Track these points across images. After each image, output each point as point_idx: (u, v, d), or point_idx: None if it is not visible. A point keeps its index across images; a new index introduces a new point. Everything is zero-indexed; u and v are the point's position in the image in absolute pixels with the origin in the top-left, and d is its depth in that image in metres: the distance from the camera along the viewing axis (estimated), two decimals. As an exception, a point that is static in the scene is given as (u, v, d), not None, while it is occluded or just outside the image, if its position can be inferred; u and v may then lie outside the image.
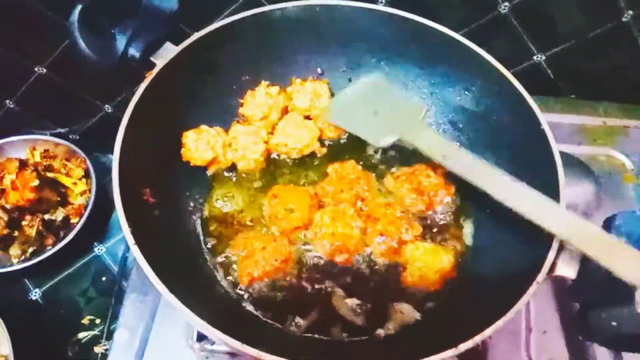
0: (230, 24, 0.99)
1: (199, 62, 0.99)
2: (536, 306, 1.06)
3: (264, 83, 1.08)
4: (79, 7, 0.88)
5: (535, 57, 1.27)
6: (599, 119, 1.33)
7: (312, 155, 1.08)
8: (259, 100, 1.06)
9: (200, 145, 0.99)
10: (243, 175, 1.04)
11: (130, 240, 0.74)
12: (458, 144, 1.07)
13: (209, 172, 1.03)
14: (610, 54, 1.28)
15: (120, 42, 0.93)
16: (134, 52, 0.93)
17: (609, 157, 1.28)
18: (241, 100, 1.08)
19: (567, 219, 0.77)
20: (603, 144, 1.30)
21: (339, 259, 0.92)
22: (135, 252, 0.73)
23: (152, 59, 0.95)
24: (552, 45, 1.25)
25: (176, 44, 0.97)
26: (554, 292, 1.07)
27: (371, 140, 1.01)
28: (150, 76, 0.91)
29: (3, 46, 1.21)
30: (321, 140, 1.09)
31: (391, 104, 1.03)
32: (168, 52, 0.95)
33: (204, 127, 1.01)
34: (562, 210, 0.79)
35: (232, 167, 1.05)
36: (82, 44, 0.89)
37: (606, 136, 1.31)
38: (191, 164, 0.99)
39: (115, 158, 0.82)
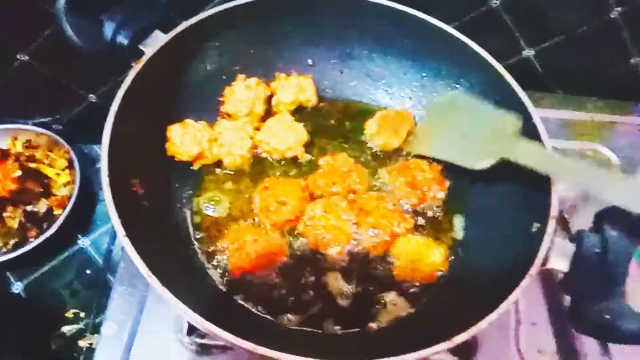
0: (221, 12, 0.98)
1: (189, 50, 0.98)
2: (525, 299, 1.06)
3: (241, 76, 1.06)
4: (66, -8, 0.86)
5: (524, 52, 1.28)
6: (586, 115, 1.34)
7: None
8: (240, 95, 1.04)
9: (185, 139, 0.97)
10: (230, 172, 1.03)
11: (121, 232, 0.72)
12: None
13: (195, 167, 1.01)
14: (598, 50, 1.29)
15: (109, 29, 0.91)
16: (122, 39, 0.91)
17: (596, 153, 1.29)
18: (221, 99, 1.06)
19: None
20: (590, 140, 1.31)
21: (332, 251, 0.92)
22: (126, 244, 0.72)
23: (140, 47, 0.93)
24: (542, 40, 1.26)
25: (165, 32, 0.95)
26: (542, 284, 1.08)
27: (470, 164, 0.93)
28: (139, 64, 0.89)
29: (-18, 32, 1.17)
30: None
31: (478, 121, 0.96)
32: (157, 40, 0.94)
33: (189, 121, 0.99)
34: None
35: (219, 162, 1.03)
36: (69, 30, 0.87)
37: (593, 132, 1.32)
38: (176, 159, 0.97)
39: (104, 148, 0.80)
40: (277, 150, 1.03)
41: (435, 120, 1.04)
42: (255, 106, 1.05)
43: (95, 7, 0.91)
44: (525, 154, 0.86)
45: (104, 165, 0.78)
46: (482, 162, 0.91)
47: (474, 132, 0.96)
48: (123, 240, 0.72)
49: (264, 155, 1.05)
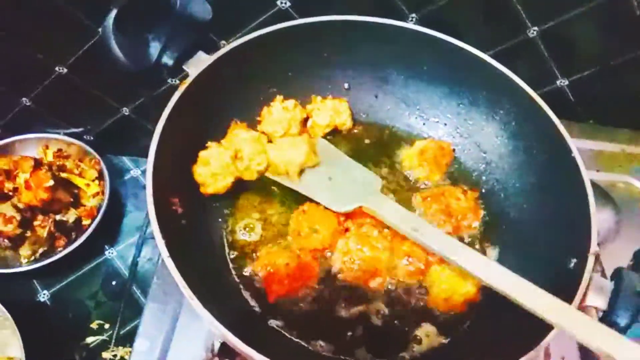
0: (263, 35, 0.99)
1: (230, 72, 0.98)
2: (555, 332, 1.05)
3: (278, 98, 1.06)
4: (114, 11, 0.88)
5: (558, 82, 1.28)
6: (618, 146, 1.33)
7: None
8: (277, 116, 1.04)
9: (218, 172, 0.95)
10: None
11: (164, 253, 0.73)
12: (483, 165, 1.07)
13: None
14: (632, 81, 1.28)
15: (154, 48, 0.92)
16: (167, 59, 0.92)
17: (628, 185, 1.28)
18: (258, 118, 1.06)
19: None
20: (621, 172, 1.30)
21: (373, 284, 0.91)
22: (170, 265, 0.72)
23: (184, 67, 0.95)
24: (576, 70, 1.26)
25: (206, 52, 0.97)
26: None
27: (331, 206, 0.97)
28: (184, 85, 0.91)
29: (26, 44, 1.20)
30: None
31: (344, 171, 1.02)
32: (200, 61, 0.95)
33: (205, 155, 0.96)
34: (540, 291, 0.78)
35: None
36: (116, 49, 0.88)
37: (625, 163, 1.31)
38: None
39: (149, 167, 0.81)
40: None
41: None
42: (292, 127, 1.05)
43: (141, 26, 0.92)
44: (388, 211, 0.93)
45: (148, 185, 0.79)
46: (345, 206, 0.96)
47: (339, 178, 1.01)
48: (167, 261, 0.73)
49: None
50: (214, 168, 0.94)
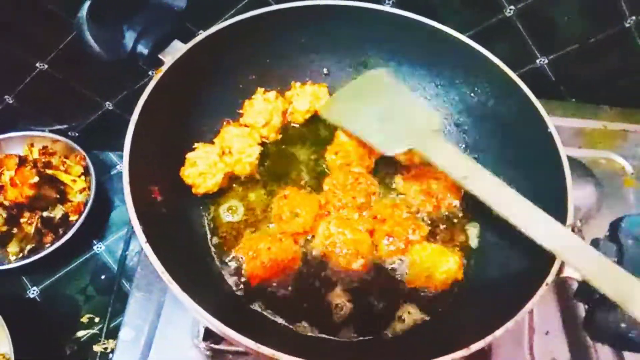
0: (239, 22, 0.99)
1: (207, 60, 0.99)
2: (538, 307, 1.06)
3: (260, 90, 1.07)
4: (88, 2, 0.88)
5: (538, 61, 1.28)
6: (600, 123, 1.34)
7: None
8: (259, 107, 1.05)
9: (206, 171, 0.95)
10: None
11: (142, 239, 0.73)
12: (463, 145, 1.08)
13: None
14: (612, 58, 1.29)
15: (129, 38, 0.92)
16: (142, 49, 0.93)
17: (609, 161, 1.29)
18: (240, 111, 1.07)
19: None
20: (603, 148, 1.31)
21: (356, 265, 0.92)
22: (147, 250, 0.73)
23: (159, 56, 0.95)
24: (555, 49, 1.26)
25: (182, 41, 0.97)
26: (555, 292, 1.09)
27: (378, 146, 0.92)
28: (159, 73, 0.91)
29: (5, 41, 1.19)
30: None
31: (401, 107, 0.94)
32: (176, 49, 0.95)
33: (192, 156, 0.96)
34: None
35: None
36: (90, 40, 0.88)
37: (606, 140, 1.32)
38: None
39: (125, 156, 0.81)
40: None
41: (356, 91, 1.00)
42: (273, 118, 1.06)
43: (116, 17, 0.92)
44: (440, 155, 0.86)
45: (125, 173, 0.79)
46: (393, 147, 0.91)
47: (392, 115, 0.93)
48: (145, 246, 0.73)
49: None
50: (201, 167, 0.95)
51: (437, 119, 0.93)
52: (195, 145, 0.98)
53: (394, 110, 0.95)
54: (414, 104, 0.96)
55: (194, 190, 0.96)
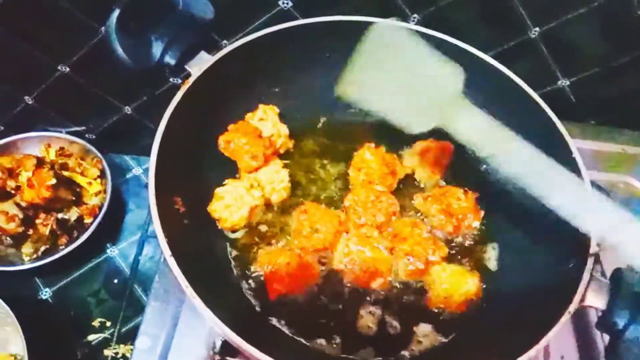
0: (265, 35, 0.99)
1: (233, 72, 0.99)
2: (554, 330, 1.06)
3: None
4: (117, 11, 0.88)
5: (559, 82, 1.28)
6: (619, 146, 1.33)
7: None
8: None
9: (231, 204, 0.95)
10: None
11: (167, 252, 0.74)
12: (484, 166, 1.08)
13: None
14: (633, 82, 1.29)
15: (157, 48, 0.93)
16: (169, 59, 0.93)
17: (628, 185, 1.28)
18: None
19: None
20: (621, 172, 1.30)
21: (375, 284, 0.92)
22: (172, 263, 0.73)
23: (186, 67, 0.95)
24: (577, 71, 1.26)
25: (207, 51, 0.97)
26: (571, 316, 1.08)
27: (403, 124, 0.79)
28: (186, 84, 0.91)
29: (28, 43, 1.20)
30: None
31: (422, 70, 0.79)
32: (202, 61, 0.95)
33: (220, 190, 0.97)
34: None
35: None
36: (119, 48, 0.88)
37: (624, 164, 1.31)
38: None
39: (151, 166, 0.81)
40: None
41: (370, 57, 0.82)
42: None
43: (144, 26, 0.93)
44: (465, 125, 0.77)
45: (151, 185, 0.79)
46: (419, 124, 0.79)
47: (416, 84, 0.79)
48: (169, 260, 0.73)
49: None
50: (227, 201, 0.95)
51: (460, 77, 0.79)
52: (226, 181, 0.98)
53: (416, 75, 0.80)
54: (434, 64, 0.81)
55: (220, 225, 0.96)
